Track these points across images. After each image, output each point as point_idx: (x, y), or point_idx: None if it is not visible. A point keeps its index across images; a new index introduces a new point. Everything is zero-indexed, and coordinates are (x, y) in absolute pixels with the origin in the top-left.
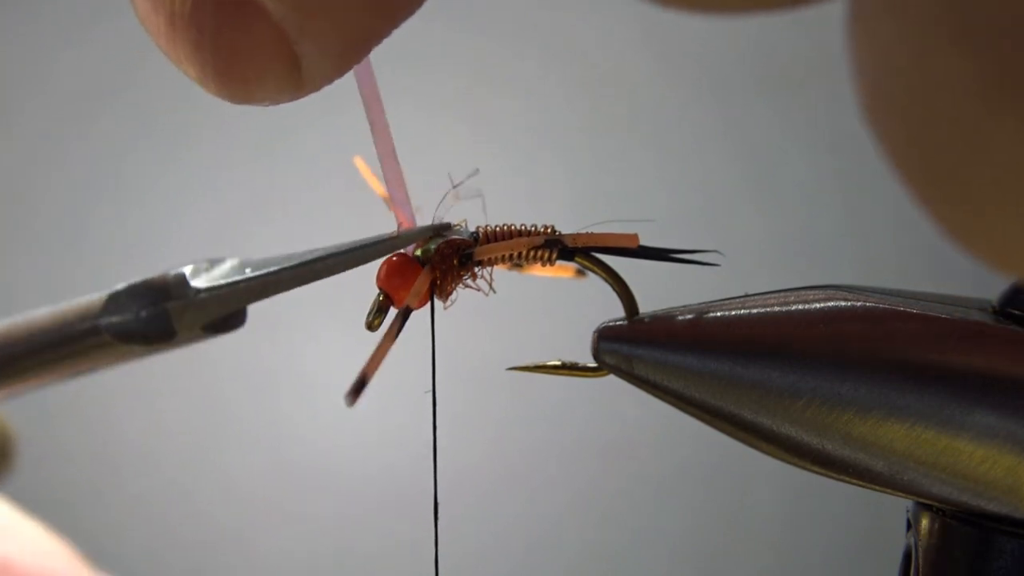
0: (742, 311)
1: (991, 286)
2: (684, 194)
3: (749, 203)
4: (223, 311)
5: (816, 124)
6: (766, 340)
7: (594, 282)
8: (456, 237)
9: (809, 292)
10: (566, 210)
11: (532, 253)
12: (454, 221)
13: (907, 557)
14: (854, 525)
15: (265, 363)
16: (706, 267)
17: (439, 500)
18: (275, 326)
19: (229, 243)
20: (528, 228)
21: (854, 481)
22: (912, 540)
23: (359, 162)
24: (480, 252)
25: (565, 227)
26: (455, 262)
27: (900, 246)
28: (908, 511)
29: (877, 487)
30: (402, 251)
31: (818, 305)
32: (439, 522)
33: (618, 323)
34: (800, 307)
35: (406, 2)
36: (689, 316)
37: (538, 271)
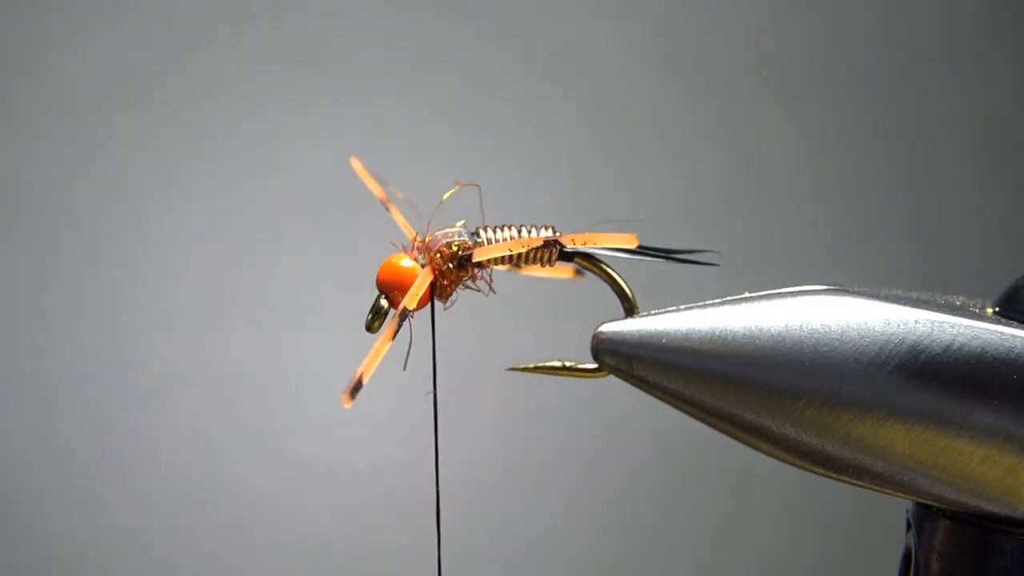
0: (742, 311)
1: (991, 286)
2: (683, 194)
3: (748, 203)
4: None
5: (816, 124)
6: (766, 340)
7: (594, 282)
8: (456, 238)
9: (808, 292)
10: (566, 210)
11: (531, 254)
12: (454, 221)
13: (907, 557)
14: (854, 525)
15: (265, 363)
16: (705, 267)
17: (440, 500)
18: (275, 326)
19: (229, 244)
20: (528, 228)
21: (854, 481)
22: (912, 540)
23: (355, 163)
24: (479, 253)
25: (565, 227)
26: (454, 264)
27: (900, 246)
28: (908, 511)
29: (877, 487)
30: (401, 252)
31: (818, 305)
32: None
33: (617, 323)
34: (800, 307)
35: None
36: (689, 316)
37: (537, 272)
